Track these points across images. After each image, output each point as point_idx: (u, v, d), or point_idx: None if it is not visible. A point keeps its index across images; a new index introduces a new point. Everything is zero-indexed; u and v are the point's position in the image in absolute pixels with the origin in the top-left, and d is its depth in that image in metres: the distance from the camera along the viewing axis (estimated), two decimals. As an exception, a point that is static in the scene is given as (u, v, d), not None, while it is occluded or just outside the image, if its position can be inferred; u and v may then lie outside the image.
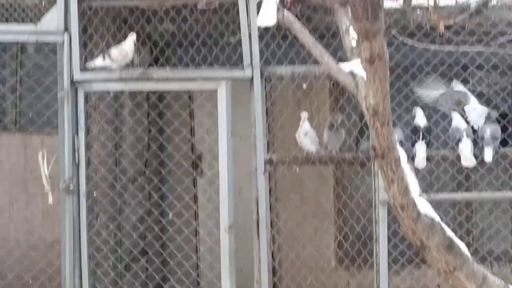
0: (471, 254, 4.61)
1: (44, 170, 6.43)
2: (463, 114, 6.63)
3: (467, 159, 6.42)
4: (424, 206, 4.41)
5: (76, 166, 6.41)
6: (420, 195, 4.58)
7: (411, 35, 6.42)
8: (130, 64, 6.71)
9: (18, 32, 6.55)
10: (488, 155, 6.38)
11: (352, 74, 4.48)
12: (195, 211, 7.99)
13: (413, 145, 6.58)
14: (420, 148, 6.48)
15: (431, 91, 6.87)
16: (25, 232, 7.79)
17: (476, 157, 6.44)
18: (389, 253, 6.15)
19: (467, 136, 6.49)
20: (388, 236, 6.13)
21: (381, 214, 6.19)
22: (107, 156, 7.03)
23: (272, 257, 7.11)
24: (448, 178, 6.74)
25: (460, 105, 6.70)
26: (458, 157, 6.47)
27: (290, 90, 7.03)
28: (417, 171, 6.14)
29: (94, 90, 6.57)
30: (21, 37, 6.61)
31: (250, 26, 6.26)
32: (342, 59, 5.55)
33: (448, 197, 6.65)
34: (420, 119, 6.73)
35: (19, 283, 7.20)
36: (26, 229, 7.80)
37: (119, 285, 7.20)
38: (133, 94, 7.14)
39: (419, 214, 4.24)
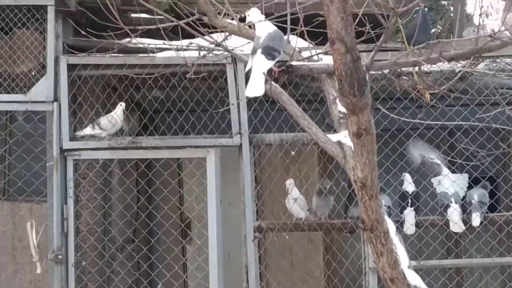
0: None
1: (33, 239, 6.39)
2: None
3: (456, 225, 6.43)
4: (414, 278, 4.41)
5: (65, 235, 6.39)
6: (409, 266, 4.57)
7: (398, 100, 6.49)
8: (119, 132, 6.76)
9: (7, 102, 6.59)
10: (476, 220, 6.41)
11: (340, 144, 4.50)
12: (185, 280, 7.91)
13: (401, 211, 6.60)
14: (409, 215, 6.50)
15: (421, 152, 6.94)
16: (14, 302, 7.69)
17: (464, 222, 6.46)
18: (380, 321, 6.10)
19: (455, 201, 6.52)
20: (378, 304, 6.09)
21: (371, 281, 6.17)
22: (96, 225, 6.99)
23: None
24: (438, 244, 6.71)
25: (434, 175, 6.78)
26: (447, 223, 6.50)
27: (279, 157, 7.06)
28: (406, 238, 6.14)
29: (83, 158, 6.59)
30: (10, 106, 6.66)
31: (238, 94, 6.35)
32: (330, 125, 5.60)
33: (438, 263, 6.62)
34: (408, 185, 6.77)
35: None
36: (15, 298, 7.70)
37: None
38: (122, 162, 7.14)
39: (409, 286, 4.22)
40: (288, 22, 4.93)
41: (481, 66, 6.66)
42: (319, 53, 5.10)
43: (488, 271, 7.42)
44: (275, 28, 4.60)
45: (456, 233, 6.56)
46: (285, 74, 4.78)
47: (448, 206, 6.48)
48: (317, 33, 5.32)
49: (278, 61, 4.51)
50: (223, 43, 5.08)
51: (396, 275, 4.10)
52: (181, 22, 5.03)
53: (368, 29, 5.03)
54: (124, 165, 7.01)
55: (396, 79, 6.31)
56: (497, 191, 7.04)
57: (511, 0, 6.52)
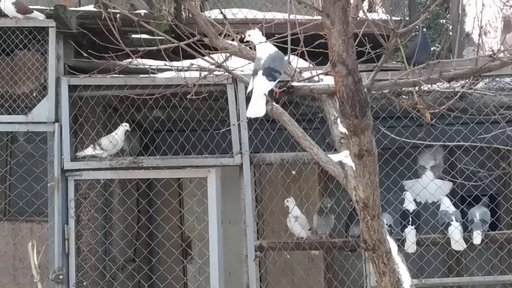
0: None
1: (34, 260, 6.37)
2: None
3: (457, 243, 6.44)
4: (416, 297, 4.41)
5: (66, 255, 6.40)
6: (411, 285, 4.56)
7: (398, 119, 6.51)
8: (120, 153, 6.78)
9: (9, 123, 6.61)
10: (477, 238, 6.41)
11: (341, 164, 4.50)
12: (186, 300, 7.91)
13: (402, 230, 6.61)
14: (410, 234, 6.50)
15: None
16: (14, 323, 7.68)
17: (466, 240, 6.47)
18: None
19: (456, 219, 6.53)
20: (380, 323, 6.07)
21: (373, 300, 6.16)
22: (97, 244, 7.00)
23: None
24: (439, 262, 6.72)
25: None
26: (448, 241, 6.50)
27: (279, 176, 7.08)
28: (407, 256, 6.14)
29: (84, 179, 6.61)
30: (12, 127, 6.68)
31: (239, 114, 6.37)
32: (331, 144, 5.61)
33: (439, 282, 6.61)
34: (409, 204, 6.78)
35: None
36: (15, 319, 7.69)
37: None
38: (122, 182, 7.15)
39: (411, 305, 4.23)
40: (289, 43, 4.96)
41: (480, 85, 6.68)
42: (319, 74, 5.11)
43: (489, 289, 7.42)
44: (276, 49, 4.62)
45: (457, 251, 6.56)
46: (286, 95, 4.79)
47: (449, 224, 6.49)
48: (317, 53, 5.35)
49: (279, 82, 4.53)
50: (224, 64, 5.10)
51: (398, 294, 4.11)
52: (182, 44, 5.04)
53: (368, 49, 5.05)
54: (125, 185, 7.02)
55: (396, 98, 6.32)
56: (497, 209, 7.04)
57: (510, 21, 6.54)
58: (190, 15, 7.14)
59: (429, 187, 6.88)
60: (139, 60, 5.67)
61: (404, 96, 6.37)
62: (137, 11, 7.13)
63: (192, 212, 7.48)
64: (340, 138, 4.84)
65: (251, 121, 6.35)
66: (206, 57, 5.17)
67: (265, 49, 4.58)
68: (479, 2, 4.71)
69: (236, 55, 5.40)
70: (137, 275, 7.38)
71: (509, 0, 6.55)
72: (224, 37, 5.40)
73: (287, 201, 6.79)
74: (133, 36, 7.04)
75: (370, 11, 8.14)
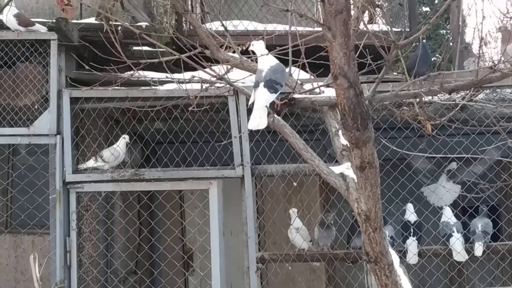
0: None
1: (36, 272, 6.36)
2: None
3: (459, 254, 6.44)
4: (419, 309, 4.41)
5: (68, 268, 6.40)
6: (414, 297, 4.56)
7: (399, 130, 6.51)
8: (122, 165, 6.78)
9: (10, 135, 6.62)
10: (479, 250, 6.41)
11: (343, 176, 4.50)
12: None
13: (404, 241, 6.60)
14: (412, 245, 6.50)
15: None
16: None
17: (467, 252, 6.46)
18: None
19: (458, 231, 6.53)
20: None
21: (375, 312, 6.15)
22: (98, 257, 6.99)
23: None
24: (441, 274, 6.71)
25: None
26: (450, 252, 6.50)
27: (281, 187, 7.07)
28: (409, 267, 6.13)
29: (86, 191, 6.61)
30: (13, 139, 6.68)
31: (240, 126, 6.37)
32: (332, 156, 5.61)
33: (441, 293, 6.63)
34: (411, 215, 6.77)
35: None
36: (17, 332, 7.68)
37: None
38: (124, 194, 7.15)
39: (413, 317, 4.23)
40: (290, 54, 4.98)
41: (481, 96, 6.68)
42: (320, 86, 5.12)
43: (491, 301, 7.40)
44: (277, 61, 4.63)
45: (459, 263, 6.56)
46: (287, 107, 4.80)
47: (450, 235, 6.49)
48: (318, 65, 5.36)
49: (280, 94, 4.54)
50: (225, 76, 5.11)
51: (401, 307, 4.10)
52: (183, 56, 5.06)
53: (369, 61, 5.06)
54: (127, 197, 7.02)
55: (397, 109, 6.32)
56: (499, 221, 7.04)
57: (509, 32, 6.54)
58: (191, 27, 7.16)
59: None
60: (141, 72, 5.69)
61: (405, 107, 6.38)
62: (139, 24, 7.16)
63: (193, 224, 7.47)
64: (342, 150, 4.85)
65: (252, 133, 6.35)
66: (208, 69, 5.19)
67: (267, 61, 4.60)
68: (479, 13, 4.72)
69: (238, 67, 5.42)
70: (138, 287, 7.36)
71: (509, 12, 6.56)
72: (225, 49, 5.42)
73: (290, 212, 6.78)
74: (135, 48, 7.05)
75: (371, 23, 8.14)
